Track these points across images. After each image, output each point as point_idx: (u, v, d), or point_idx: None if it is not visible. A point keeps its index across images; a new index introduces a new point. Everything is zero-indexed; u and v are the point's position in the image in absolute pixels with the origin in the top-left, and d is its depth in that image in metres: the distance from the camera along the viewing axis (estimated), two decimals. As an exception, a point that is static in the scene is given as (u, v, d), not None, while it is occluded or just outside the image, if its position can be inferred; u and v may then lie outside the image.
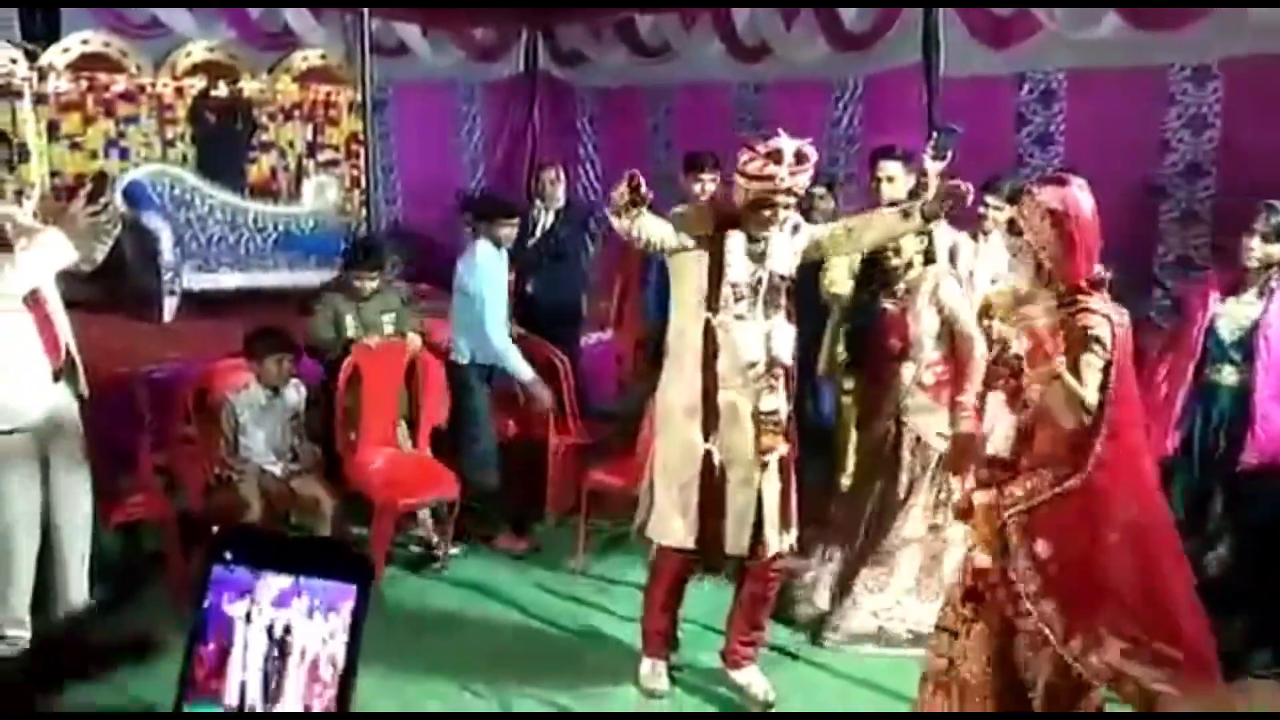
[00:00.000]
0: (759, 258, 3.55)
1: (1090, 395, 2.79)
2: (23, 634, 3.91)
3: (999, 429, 3.04)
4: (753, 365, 3.53)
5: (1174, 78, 6.09)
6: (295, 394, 4.74)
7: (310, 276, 7.45)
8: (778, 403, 3.59)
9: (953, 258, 4.54)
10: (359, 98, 7.95)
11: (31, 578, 3.91)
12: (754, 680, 3.87)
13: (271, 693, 0.81)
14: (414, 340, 5.21)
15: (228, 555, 0.83)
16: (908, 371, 4.21)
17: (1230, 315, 4.04)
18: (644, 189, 3.35)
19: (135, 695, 3.81)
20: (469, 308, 5.08)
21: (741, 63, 7.62)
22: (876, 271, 4.28)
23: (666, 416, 3.70)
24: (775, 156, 3.40)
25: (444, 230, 7.76)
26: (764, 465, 3.61)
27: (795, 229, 3.65)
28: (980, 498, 3.02)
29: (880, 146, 4.54)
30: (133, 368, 5.42)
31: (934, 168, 4.57)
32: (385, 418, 5.13)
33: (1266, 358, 3.95)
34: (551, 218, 6.25)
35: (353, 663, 0.80)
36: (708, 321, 3.53)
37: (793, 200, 3.53)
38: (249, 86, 8.07)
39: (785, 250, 3.60)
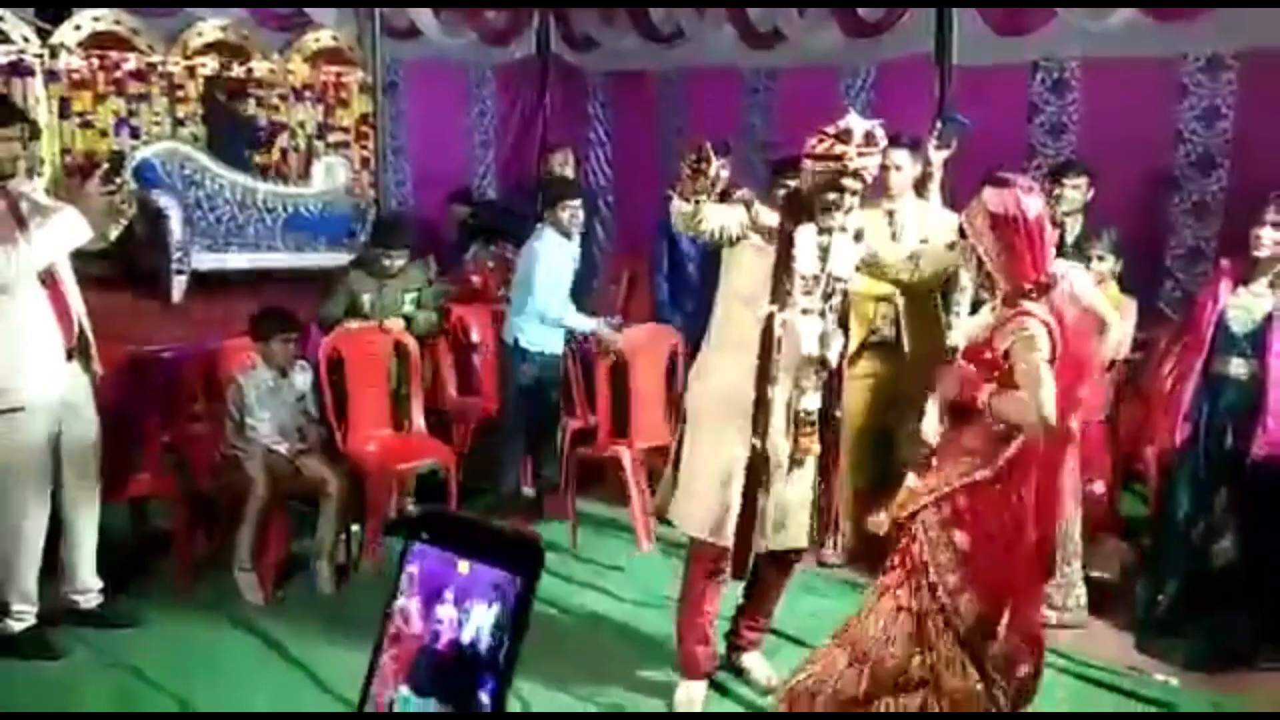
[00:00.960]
0: (824, 253, 3.44)
1: (1046, 403, 2.74)
2: (29, 609, 3.94)
3: (931, 418, 3.09)
4: (808, 362, 3.43)
5: (1187, 69, 6.05)
6: (301, 375, 4.75)
7: (319, 258, 7.45)
8: (817, 403, 3.53)
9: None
10: (370, 79, 7.93)
11: (40, 554, 3.93)
12: (756, 665, 3.89)
13: (438, 673, 0.85)
14: (394, 324, 5.18)
15: (424, 534, 0.87)
16: None
17: (1242, 307, 3.99)
18: (713, 167, 3.20)
19: (135, 665, 3.85)
20: (519, 294, 5.18)
21: (754, 49, 7.59)
22: None
23: (703, 407, 3.58)
24: (844, 136, 3.30)
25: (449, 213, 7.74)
26: (798, 464, 3.52)
27: (858, 236, 3.55)
28: (910, 481, 3.08)
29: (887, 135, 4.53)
30: (140, 346, 5.44)
31: (938, 157, 4.55)
32: (374, 399, 5.16)
33: (1279, 348, 3.90)
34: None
35: (513, 650, 0.83)
36: (770, 315, 3.39)
37: (859, 185, 3.37)
38: (260, 67, 8.06)
39: (846, 254, 3.49)
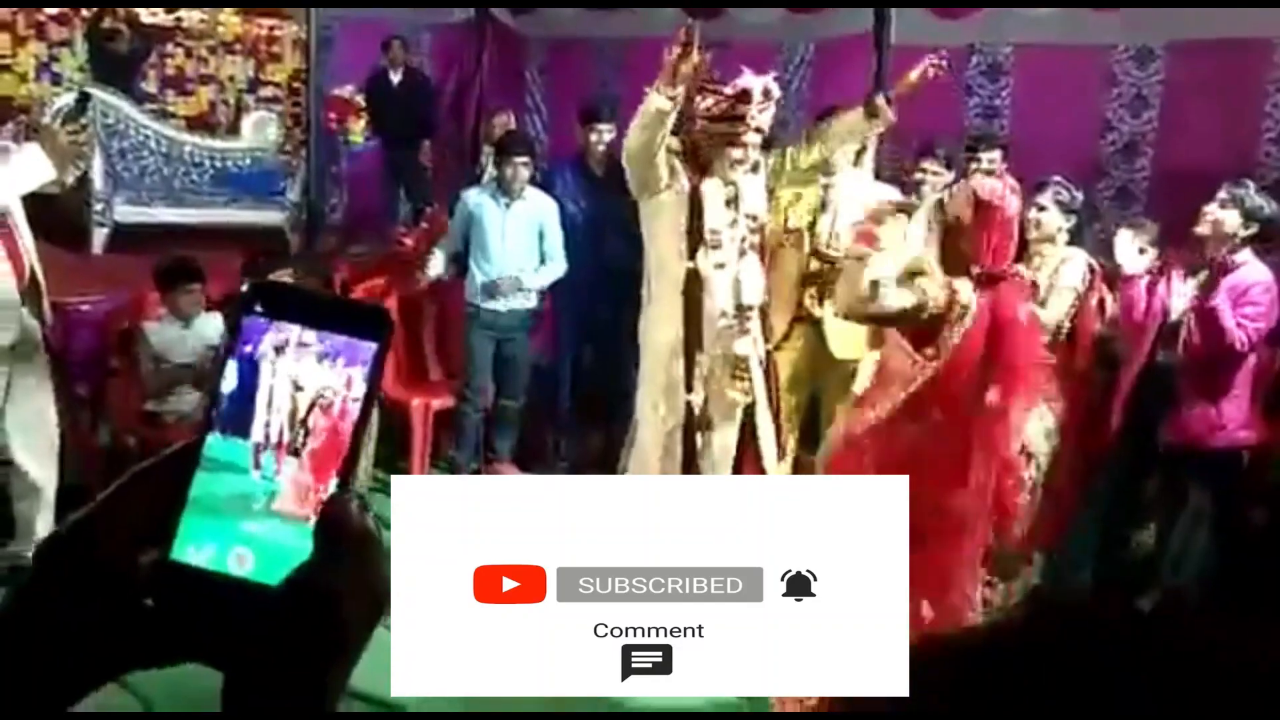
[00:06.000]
0: (732, 202, 3.54)
1: None
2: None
3: None
4: (726, 313, 3.52)
5: (1117, 58, 6.17)
6: (211, 326, 4.67)
7: (246, 214, 7.32)
8: (748, 348, 3.58)
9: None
10: (303, 34, 7.77)
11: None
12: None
13: (290, 435, 0.84)
14: None
15: (257, 307, 0.85)
16: None
17: (1179, 295, 3.92)
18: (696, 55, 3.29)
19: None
20: None
21: (694, 20, 7.56)
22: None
23: (653, 358, 3.67)
24: (744, 97, 3.40)
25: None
26: (729, 414, 3.59)
27: (756, 167, 3.64)
28: None
29: (825, 109, 4.55)
30: (59, 298, 5.28)
31: (872, 130, 4.58)
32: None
33: (1197, 338, 3.82)
34: (498, 164, 6.16)
35: (367, 415, 0.83)
36: (689, 270, 3.52)
37: (759, 139, 3.53)
38: (189, 16, 7.86)
39: (756, 191, 3.59)
